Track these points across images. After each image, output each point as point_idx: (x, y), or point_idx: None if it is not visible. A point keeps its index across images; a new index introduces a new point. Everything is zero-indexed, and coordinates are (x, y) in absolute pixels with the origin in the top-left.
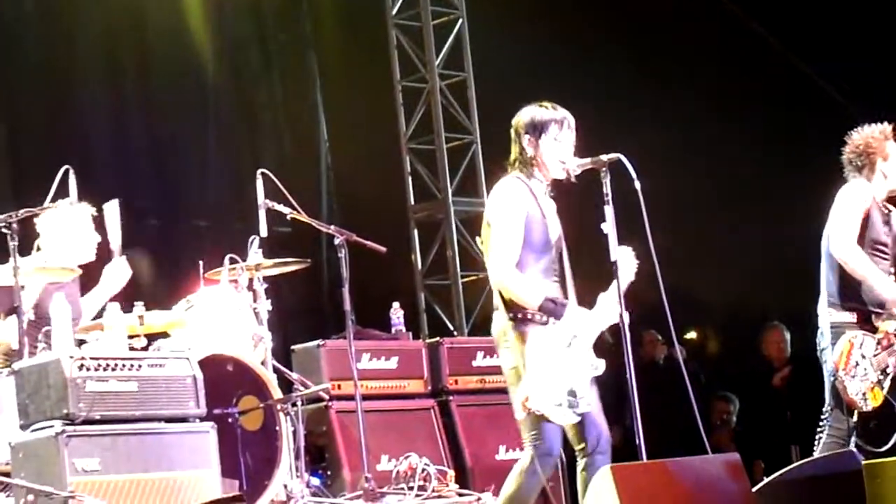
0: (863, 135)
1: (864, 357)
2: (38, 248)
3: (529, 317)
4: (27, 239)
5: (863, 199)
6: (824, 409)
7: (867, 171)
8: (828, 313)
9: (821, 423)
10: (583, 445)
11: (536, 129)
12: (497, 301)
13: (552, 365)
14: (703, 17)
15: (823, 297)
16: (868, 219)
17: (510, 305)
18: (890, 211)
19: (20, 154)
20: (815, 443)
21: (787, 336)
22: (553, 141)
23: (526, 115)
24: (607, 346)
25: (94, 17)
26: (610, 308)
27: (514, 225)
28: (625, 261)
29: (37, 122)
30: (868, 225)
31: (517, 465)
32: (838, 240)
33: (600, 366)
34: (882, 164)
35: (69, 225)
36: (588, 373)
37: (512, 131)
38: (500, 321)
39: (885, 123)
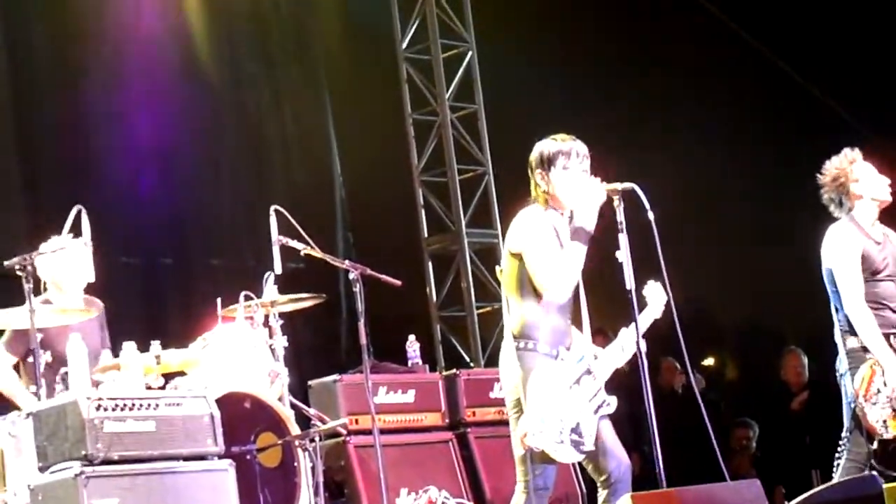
0: (828, 169)
1: (885, 385)
2: (45, 288)
3: (537, 348)
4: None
5: (852, 245)
6: (843, 434)
7: (846, 200)
8: (843, 340)
9: (839, 448)
10: (604, 477)
11: (545, 163)
12: (507, 331)
13: (556, 401)
14: (715, 43)
15: (838, 324)
16: (865, 257)
17: (518, 335)
18: (886, 234)
19: (36, 195)
20: (834, 467)
21: (805, 360)
22: (562, 171)
23: (535, 150)
24: (623, 373)
25: (105, 56)
26: (629, 343)
27: (550, 247)
28: (654, 297)
29: (51, 163)
30: (867, 261)
31: (513, 501)
32: (848, 302)
33: (613, 402)
34: (855, 186)
35: (77, 263)
36: (598, 409)
37: (529, 169)
38: (509, 351)
39: (848, 149)
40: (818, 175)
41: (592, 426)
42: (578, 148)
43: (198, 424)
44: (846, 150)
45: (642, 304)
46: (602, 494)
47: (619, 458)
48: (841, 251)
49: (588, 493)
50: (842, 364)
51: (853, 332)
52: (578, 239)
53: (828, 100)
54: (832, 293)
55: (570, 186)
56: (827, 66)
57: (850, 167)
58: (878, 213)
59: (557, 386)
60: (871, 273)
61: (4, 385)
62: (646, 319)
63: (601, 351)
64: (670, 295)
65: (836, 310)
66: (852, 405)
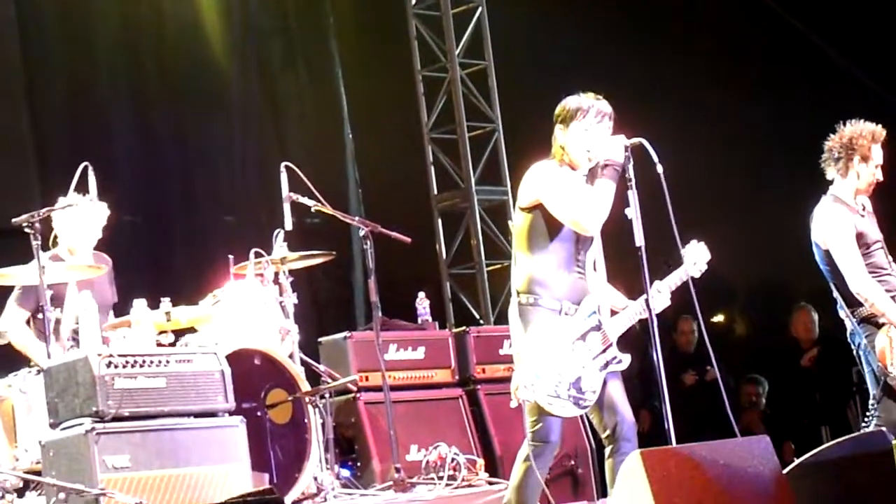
0: (851, 129)
1: None
2: (55, 243)
3: (539, 303)
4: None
5: (845, 223)
6: (870, 403)
7: (843, 164)
8: (850, 313)
9: (867, 416)
10: (607, 433)
11: (565, 118)
12: (512, 288)
13: (555, 355)
14: (731, 6)
15: (840, 301)
16: (860, 234)
17: (522, 290)
18: (864, 206)
19: (46, 154)
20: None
21: (815, 317)
22: (582, 131)
23: (560, 105)
24: (633, 331)
25: (113, 14)
26: (664, 290)
27: (570, 183)
28: (695, 255)
29: (61, 121)
30: (861, 237)
31: (519, 453)
32: (853, 280)
33: (625, 360)
34: (859, 163)
35: (88, 221)
36: (606, 366)
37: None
38: (512, 305)
39: (880, 126)
40: (838, 126)
41: (596, 382)
42: (601, 106)
43: (208, 381)
44: (878, 128)
45: (678, 263)
46: (607, 451)
47: (622, 416)
48: (836, 231)
49: (597, 448)
50: (857, 336)
51: (857, 304)
52: (608, 176)
53: (846, 64)
54: (827, 272)
55: (586, 144)
56: (847, 30)
57: (870, 143)
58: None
59: (558, 340)
60: (866, 246)
61: (18, 340)
62: (679, 276)
63: (627, 301)
64: (682, 253)
65: (835, 286)
66: (881, 377)
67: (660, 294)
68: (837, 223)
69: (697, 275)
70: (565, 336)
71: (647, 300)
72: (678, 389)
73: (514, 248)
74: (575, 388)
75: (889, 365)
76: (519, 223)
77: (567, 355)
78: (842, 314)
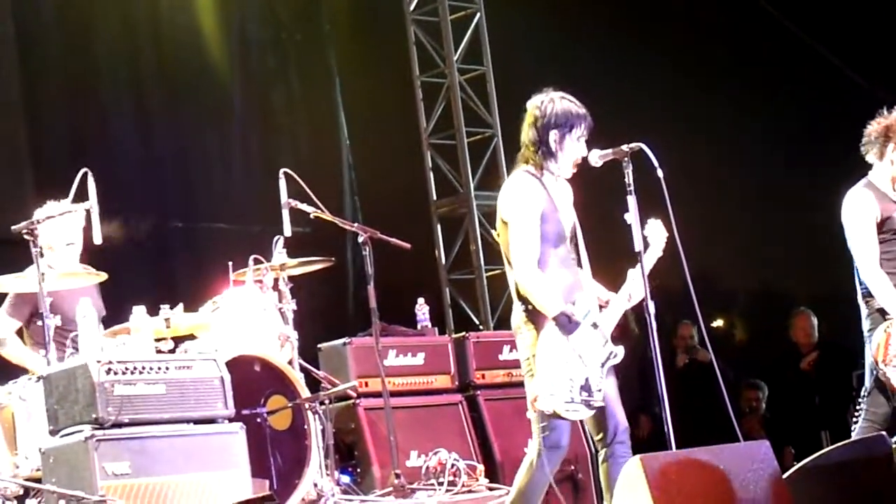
0: (888, 116)
1: None
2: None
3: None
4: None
5: (867, 211)
6: (862, 394)
7: (878, 150)
8: (865, 303)
9: (857, 409)
10: (601, 436)
11: (566, 125)
12: (513, 293)
13: (564, 361)
14: (726, 6)
15: (860, 286)
16: (887, 219)
17: (525, 298)
18: None
19: (43, 160)
20: (852, 428)
21: (815, 321)
22: (576, 141)
23: (557, 107)
24: (633, 335)
25: (112, 23)
26: (636, 290)
27: (531, 224)
28: (654, 234)
29: (59, 129)
30: (888, 222)
31: (526, 458)
32: (862, 266)
33: (619, 353)
34: (893, 151)
35: (69, 228)
36: (606, 361)
37: (532, 117)
38: (518, 312)
39: None
40: (879, 113)
41: (601, 380)
42: (584, 110)
43: (208, 387)
44: None
45: (646, 248)
46: (601, 454)
47: (617, 419)
48: (856, 217)
49: (596, 454)
50: (864, 326)
51: (871, 295)
52: (561, 322)
53: (842, 65)
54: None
55: (577, 157)
56: (842, 30)
57: None
58: None
59: (564, 345)
60: (892, 232)
61: (12, 351)
62: (649, 259)
63: (610, 294)
64: (683, 256)
65: (858, 271)
66: (874, 370)
67: (630, 300)
68: (858, 208)
69: (661, 252)
70: (569, 340)
71: (646, 304)
72: (678, 395)
73: (505, 257)
74: (585, 390)
75: (880, 360)
76: (504, 234)
77: (574, 359)
78: (859, 298)
